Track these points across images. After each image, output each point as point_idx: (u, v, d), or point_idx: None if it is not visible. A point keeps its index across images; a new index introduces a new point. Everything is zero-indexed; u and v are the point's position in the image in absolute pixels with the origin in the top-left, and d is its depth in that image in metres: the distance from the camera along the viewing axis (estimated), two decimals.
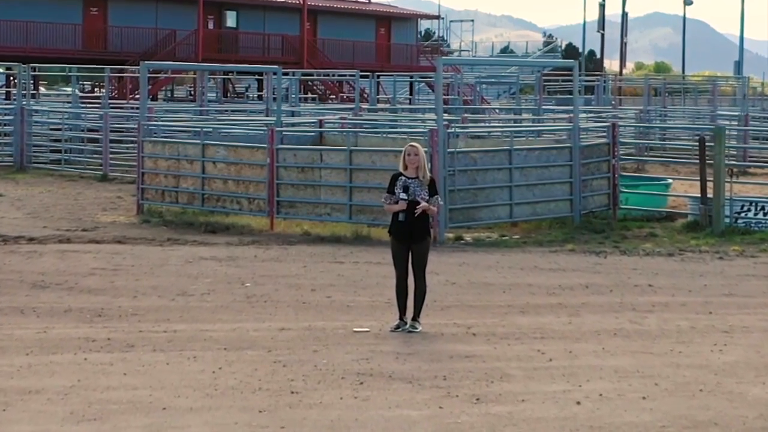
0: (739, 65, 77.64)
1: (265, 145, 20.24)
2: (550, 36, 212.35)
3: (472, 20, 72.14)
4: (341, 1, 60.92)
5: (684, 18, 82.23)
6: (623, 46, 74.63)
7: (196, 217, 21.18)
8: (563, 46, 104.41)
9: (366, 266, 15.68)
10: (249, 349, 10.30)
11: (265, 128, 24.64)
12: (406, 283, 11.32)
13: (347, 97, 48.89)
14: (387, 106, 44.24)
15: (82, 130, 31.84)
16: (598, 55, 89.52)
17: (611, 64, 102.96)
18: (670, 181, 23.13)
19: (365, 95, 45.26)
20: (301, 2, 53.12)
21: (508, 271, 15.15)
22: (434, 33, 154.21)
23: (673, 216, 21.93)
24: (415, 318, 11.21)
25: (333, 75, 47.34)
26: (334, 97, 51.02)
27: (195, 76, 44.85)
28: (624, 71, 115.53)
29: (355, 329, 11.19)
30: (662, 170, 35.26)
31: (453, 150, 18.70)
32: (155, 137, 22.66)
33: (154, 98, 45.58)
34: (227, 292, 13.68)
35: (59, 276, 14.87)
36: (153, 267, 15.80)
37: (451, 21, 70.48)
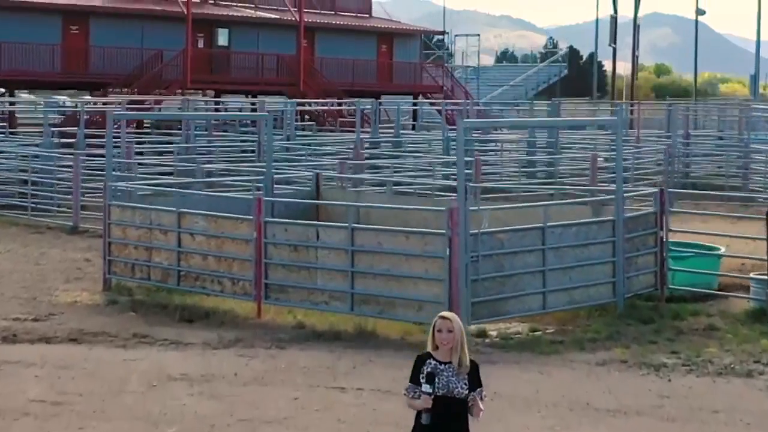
0: (755, 79, 74.47)
1: (250, 217, 17.05)
2: (551, 38, 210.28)
3: (478, 35, 68.99)
4: (340, 17, 57.55)
5: (696, 28, 78.95)
6: (635, 59, 71.49)
7: (171, 298, 18.04)
8: (564, 50, 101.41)
9: (373, 400, 12.48)
10: None
11: (255, 178, 21.63)
12: None
13: (347, 121, 45.58)
14: (390, 131, 40.97)
15: (52, 173, 28.59)
16: (599, 58, 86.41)
17: (625, 68, 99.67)
18: (722, 249, 19.88)
19: (367, 118, 42.19)
20: (298, 20, 49.81)
21: (553, 413, 11.92)
22: (434, 36, 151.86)
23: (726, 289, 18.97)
24: None
25: (331, 104, 43.93)
26: (331, 119, 47.75)
27: (183, 98, 41.54)
28: (625, 72, 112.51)
29: None
30: (691, 209, 32.16)
31: (476, 231, 15.48)
32: (124, 202, 19.41)
33: (140, 125, 42.22)
34: None
35: None
36: (106, 397, 12.61)
37: (456, 35, 67.26)
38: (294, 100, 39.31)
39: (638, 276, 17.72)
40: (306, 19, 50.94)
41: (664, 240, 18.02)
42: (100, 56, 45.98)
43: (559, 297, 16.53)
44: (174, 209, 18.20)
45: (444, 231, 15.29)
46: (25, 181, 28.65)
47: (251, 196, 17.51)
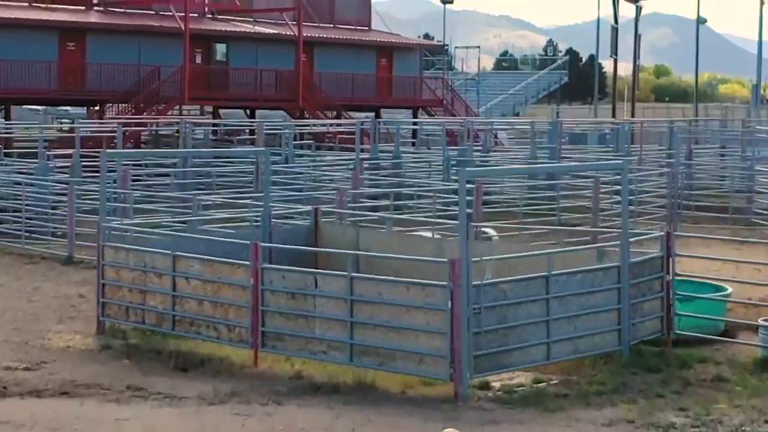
0: (756, 89, 74.11)
1: (247, 263, 16.63)
2: (551, 40, 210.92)
3: (478, 46, 68.58)
4: (339, 31, 57.09)
5: (697, 35, 78.57)
6: (636, 68, 71.06)
7: (165, 342, 17.63)
8: (565, 57, 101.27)
9: None
10: None
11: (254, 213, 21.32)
12: None
13: (347, 138, 45.16)
14: (390, 147, 40.53)
15: (47, 201, 28.15)
16: (598, 58, 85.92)
17: (626, 68, 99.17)
18: (729, 289, 19.45)
19: (366, 133, 41.86)
20: (296, 34, 49.35)
21: None
22: (433, 38, 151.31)
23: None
24: None
25: (331, 125, 43.40)
26: (330, 136, 47.36)
27: (180, 118, 41.14)
28: (625, 73, 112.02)
29: None
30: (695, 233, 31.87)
31: (479, 282, 15.08)
32: (118, 243, 18.98)
33: (137, 143, 41.76)
34: None
35: None
36: None
37: (456, 47, 66.93)
38: (293, 122, 38.84)
39: (644, 322, 17.31)
40: (305, 34, 50.49)
41: (671, 284, 17.63)
42: (97, 73, 45.54)
43: (563, 347, 16.12)
44: (169, 252, 17.80)
45: (445, 283, 14.89)
46: (20, 208, 28.22)
47: (248, 242, 17.08)
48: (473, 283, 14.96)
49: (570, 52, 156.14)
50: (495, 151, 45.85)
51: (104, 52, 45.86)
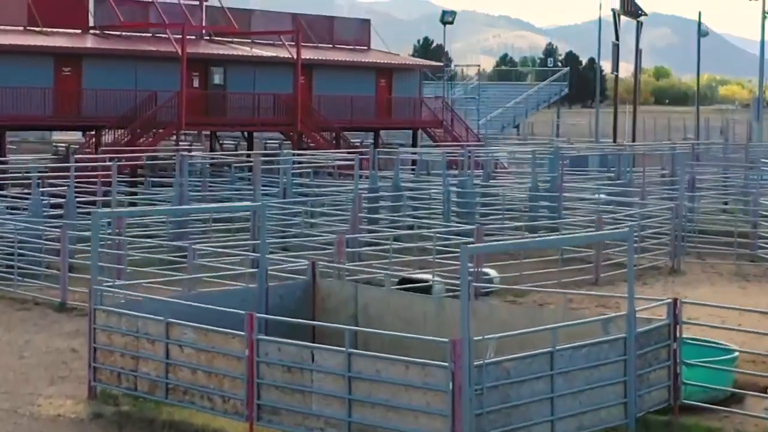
0: (758, 102, 73.56)
1: (242, 333, 16.14)
2: (550, 43, 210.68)
3: (479, 65, 68.12)
4: (338, 52, 56.52)
5: (698, 45, 78.01)
6: (637, 82, 70.52)
7: (159, 411, 17.17)
8: (563, 55, 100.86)
9: None
10: None
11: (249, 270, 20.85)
12: None
13: (346, 165, 44.69)
14: (390, 173, 40.06)
15: (39, 243, 27.64)
16: (595, 57, 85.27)
17: (626, 68, 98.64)
18: (736, 353, 18.93)
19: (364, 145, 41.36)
20: (295, 57, 48.78)
21: None
22: (433, 41, 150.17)
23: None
24: None
25: (332, 160, 42.66)
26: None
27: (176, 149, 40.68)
28: (625, 74, 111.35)
29: None
30: (699, 270, 31.58)
31: (481, 362, 14.59)
32: (110, 307, 18.47)
33: (134, 172, 41.23)
34: None
35: None
36: None
37: (455, 65, 66.50)
38: (292, 153, 38.37)
39: (650, 392, 16.84)
40: (303, 56, 49.93)
41: (678, 353, 17.15)
42: (93, 98, 44.94)
43: (568, 423, 15.63)
44: (162, 318, 17.30)
45: (446, 364, 14.41)
46: (11, 251, 27.68)
47: (243, 312, 16.59)
48: (475, 363, 14.49)
49: (569, 55, 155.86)
50: (496, 174, 45.46)
51: (100, 77, 45.18)
